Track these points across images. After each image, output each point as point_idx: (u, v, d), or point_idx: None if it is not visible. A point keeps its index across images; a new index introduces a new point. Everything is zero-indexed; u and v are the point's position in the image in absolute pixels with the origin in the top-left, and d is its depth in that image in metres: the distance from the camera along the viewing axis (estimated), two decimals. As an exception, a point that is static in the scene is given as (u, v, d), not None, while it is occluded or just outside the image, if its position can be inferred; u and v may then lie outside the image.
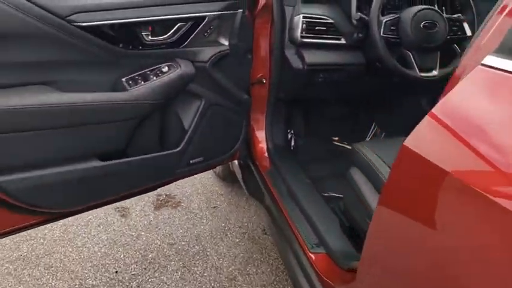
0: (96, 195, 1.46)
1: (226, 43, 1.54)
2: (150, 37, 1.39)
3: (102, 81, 1.36)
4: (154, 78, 1.41)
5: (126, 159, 1.45)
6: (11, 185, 1.24)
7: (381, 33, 1.45)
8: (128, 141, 1.44)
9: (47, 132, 1.25)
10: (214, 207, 2.36)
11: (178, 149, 1.57)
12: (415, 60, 1.51)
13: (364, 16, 1.53)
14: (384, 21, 1.47)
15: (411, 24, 1.45)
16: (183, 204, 2.36)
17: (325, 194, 1.75)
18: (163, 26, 1.41)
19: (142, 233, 2.13)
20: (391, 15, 1.50)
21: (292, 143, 2.13)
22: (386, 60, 1.45)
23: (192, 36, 1.45)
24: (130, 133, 1.43)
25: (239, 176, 2.01)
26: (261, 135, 1.88)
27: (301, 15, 1.58)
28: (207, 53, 1.50)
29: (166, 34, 1.41)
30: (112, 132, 1.38)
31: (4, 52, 1.16)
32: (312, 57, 1.61)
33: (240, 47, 1.60)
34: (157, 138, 1.54)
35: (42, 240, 2.04)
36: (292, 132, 2.12)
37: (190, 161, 1.63)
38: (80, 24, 1.22)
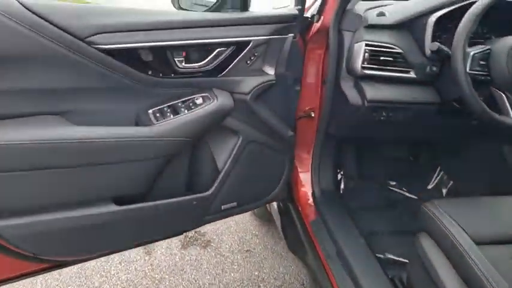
0: (111, 243, 1.25)
1: (272, 72, 1.31)
2: (183, 64, 1.18)
3: (125, 112, 1.17)
4: (186, 111, 1.19)
5: (147, 203, 1.24)
6: (12, 231, 1.06)
7: (467, 69, 1.16)
8: (150, 183, 1.22)
9: (56, 171, 1.06)
10: (247, 250, 2.10)
11: (208, 192, 1.34)
12: (510, 104, 1.19)
13: (443, 47, 1.24)
14: (471, 53, 1.17)
15: (507, 59, 1.15)
16: (213, 244, 2.12)
17: (381, 256, 1.45)
18: (199, 51, 1.20)
19: (166, 276, 1.90)
20: (480, 46, 1.20)
21: (342, 186, 1.85)
22: (471, 102, 1.15)
23: (232, 64, 1.23)
24: (153, 174, 1.22)
25: (277, 222, 1.75)
26: (305, 177, 1.62)
27: (364, 43, 1.32)
28: (249, 84, 1.27)
29: (202, 61, 1.20)
30: (132, 173, 1.17)
31: (13, 77, 0.99)
32: (374, 92, 1.34)
33: (287, 77, 1.37)
34: (185, 179, 1.32)
35: (57, 276, 1.87)
36: (342, 173, 1.84)
37: (222, 207, 1.40)
38: (101, 46, 1.04)
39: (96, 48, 1.03)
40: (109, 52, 1.05)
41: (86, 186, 1.12)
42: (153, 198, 1.25)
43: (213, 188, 1.35)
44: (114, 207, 1.18)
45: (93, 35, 1.02)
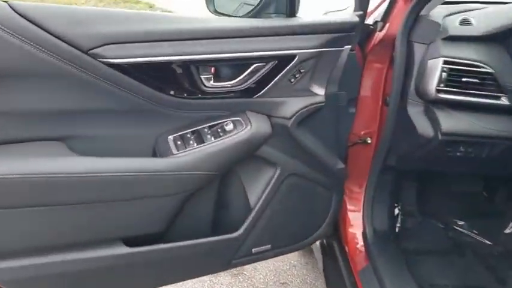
0: (120, 289, 1.07)
1: (322, 92, 1.06)
2: (211, 82, 0.97)
3: (139, 139, 0.98)
4: (212, 139, 0.98)
5: (164, 245, 1.05)
6: (5, 275, 0.90)
7: None
8: (169, 221, 1.03)
9: (55, 208, 0.90)
10: (283, 283, 1.87)
11: (238, 233, 1.13)
12: None
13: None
14: None
15: None
16: (245, 273, 1.91)
17: (448, 324, 1.16)
18: (231, 66, 0.98)
19: (192, 307, 1.71)
20: None
21: (398, 224, 1.56)
22: None
23: (272, 82, 1.01)
24: (172, 212, 1.02)
25: (319, 263, 1.50)
26: (355, 215, 1.36)
27: (441, 59, 1.04)
28: (291, 106, 1.04)
29: (235, 78, 0.98)
30: (146, 211, 0.99)
31: (5, 97, 0.82)
32: (451, 123, 1.05)
33: (340, 97, 1.12)
34: (210, 217, 1.11)
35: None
36: (399, 208, 1.55)
37: (253, 250, 1.18)
38: (110, 60, 0.84)
39: (102, 62, 0.84)
40: (119, 67, 0.86)
41: (89, 225, 0.95)
42: (172, 239, 1.06)
43: (243, 228, 1.13)
44: (124, 249, 1.00)
45: (99, 46, 0.83)
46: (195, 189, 1.01)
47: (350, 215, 1.35)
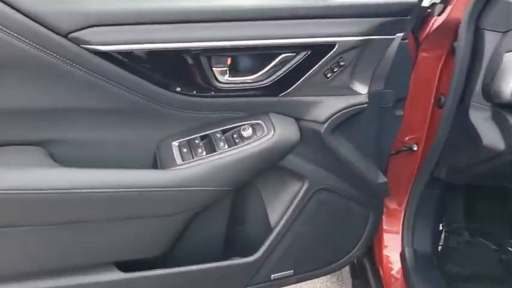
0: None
1: (365, 91, 0.85)
2: (226, 76, 0.77)
3: (137, 144, 0.81)
4: (226, 147, 0.79)
5: (166, 270, 0.88)
6: None
7: None
8: (171, 244, 0.85)
9: (30, 229, 0.73)
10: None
11: (254, 257, 0.96)
12: None
13: None
14: None
15: None
16: None
17: None
18: (253, 57, 0.79)
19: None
20: None
21: (441, 242, 1.35)
22: None
23: (304, 78, 0.80)
24: (175, 233, 0.84)
25: (348, 286, 1.31)
26: (391, 237, 1.17)
27: (523, 52, 0.81)
28: (327, 108, 0.84)
29: (257, 72, 0.79)
30: (145, 232, 0.82)
31: None
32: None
33: (386, 97, 0.91)
34: (221, 237, 0.93)
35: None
36: (442, 224, 1.34)
37: (272, 276, 1.00)
38: (96, 47, 0.66)
39: (86, 49, 0.65)
40: (108, 56, 0.67)
41: (76, 249, 0.79)
42: (176, 263, 0.89)
43: (262, 250, 0.95)
44: (118, 275, 0.83)
45: (81, 29, 0.65)
46: (203, 207, 0.83)
47: (386, 234, 1.16)
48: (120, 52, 0.68)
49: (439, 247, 1.36)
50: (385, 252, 1.18)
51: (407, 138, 1.11)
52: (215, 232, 0.92)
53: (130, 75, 0.70)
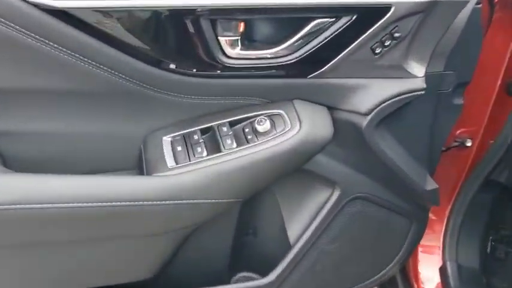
0: None
1: (421, 72, 0.63)
2: (238, 49, 0.56)
3: (114, 139, 0.62)
4: (235, 144, 0.60)
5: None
6: None
7: None
8: (163, 265, 0.67)
9: None
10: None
11: (268, 279, 0.77)
12: None
13: None
14: None
15: None
16: None
17: None
18: (274, 23, 0.58)
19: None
20: None
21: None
22: None
23: (344, 53, 0.60)
24: (168, 253, 0.66)
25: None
26: (429, 249, 1.00)
27: None
28: (372, 95, 0.65)
29: (280, 44, 0.58)
30: (129, 254, 0.64)
31: None
32: None
33: (446, 81, 0.70)
34: (226, 256, 0.74)
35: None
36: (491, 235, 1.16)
37: (289, 301, 0.81)
38: (48, 2, 0.46)
39: (35, 5, 0.45)
40: (67, 16, 0.47)
41: (53, 273, 0.61)
42: (172, 286, 0.71)
43: (278, 271, 0.77)
44: None
45: None
46: (203, 222, 0.64)
47: (421, 249, 0.98)
48: (88, 12, 0.47)
49: (485, 260, 1.18)
50: (421, 267, 1.00)
51: (459, 132, 0.90)
52: (218, 249, 0.74)
53: (100, 43, 0.50)
